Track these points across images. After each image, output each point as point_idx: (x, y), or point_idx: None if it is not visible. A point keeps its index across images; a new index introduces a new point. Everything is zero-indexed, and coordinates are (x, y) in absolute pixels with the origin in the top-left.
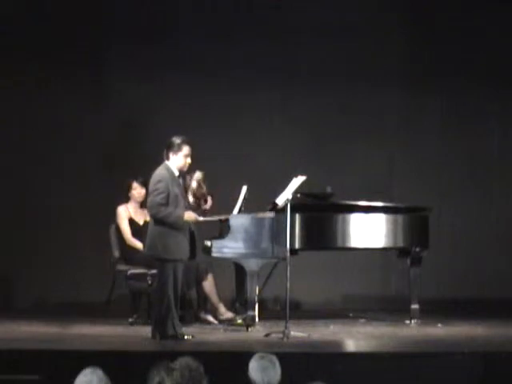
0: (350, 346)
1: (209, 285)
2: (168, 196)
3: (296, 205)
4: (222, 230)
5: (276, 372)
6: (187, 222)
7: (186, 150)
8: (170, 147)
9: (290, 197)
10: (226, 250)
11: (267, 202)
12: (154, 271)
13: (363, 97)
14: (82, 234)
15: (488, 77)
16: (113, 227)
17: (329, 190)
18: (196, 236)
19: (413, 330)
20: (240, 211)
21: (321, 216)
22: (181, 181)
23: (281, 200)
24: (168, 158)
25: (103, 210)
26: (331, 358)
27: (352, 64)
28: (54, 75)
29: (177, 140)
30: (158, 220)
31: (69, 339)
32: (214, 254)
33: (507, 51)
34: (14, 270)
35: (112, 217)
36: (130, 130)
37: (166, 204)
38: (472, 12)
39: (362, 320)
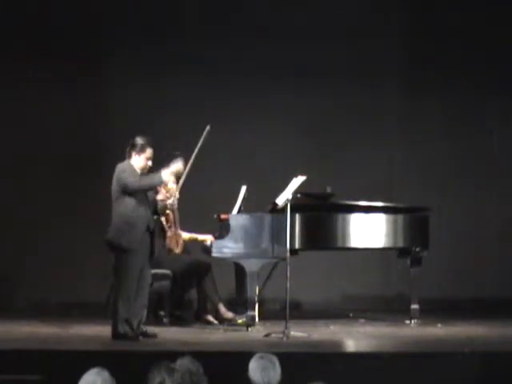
0: (350, 346)
1: (209, 285)
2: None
3: (296, 205)
4: (221, 230)
5: (276, 372)
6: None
7: (148, 152)
8: (133, 147)
9: (290, 197)
10: (225, 250)
11: (267, 201)
12: (154, 271)
13: (363, 97)
14: (82, 234)
15: (488, 77)
16: None
17: (329, 190)
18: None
19: (413, 330)
20: (239, 211)
21: (321, 216)
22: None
23: (281, 200)
24: (130, 157)
25: (103, 210)
26: (331, 358)
27: (352, 64)
28: (53, 75)
29: (141, 141)
30: (142, 189)
31: (69, 339)
32: (214, 254)
33: (507, 51)
34: (13, 270)
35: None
36: (130, 129)
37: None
38: (472, 12)
39: (362, 320)
